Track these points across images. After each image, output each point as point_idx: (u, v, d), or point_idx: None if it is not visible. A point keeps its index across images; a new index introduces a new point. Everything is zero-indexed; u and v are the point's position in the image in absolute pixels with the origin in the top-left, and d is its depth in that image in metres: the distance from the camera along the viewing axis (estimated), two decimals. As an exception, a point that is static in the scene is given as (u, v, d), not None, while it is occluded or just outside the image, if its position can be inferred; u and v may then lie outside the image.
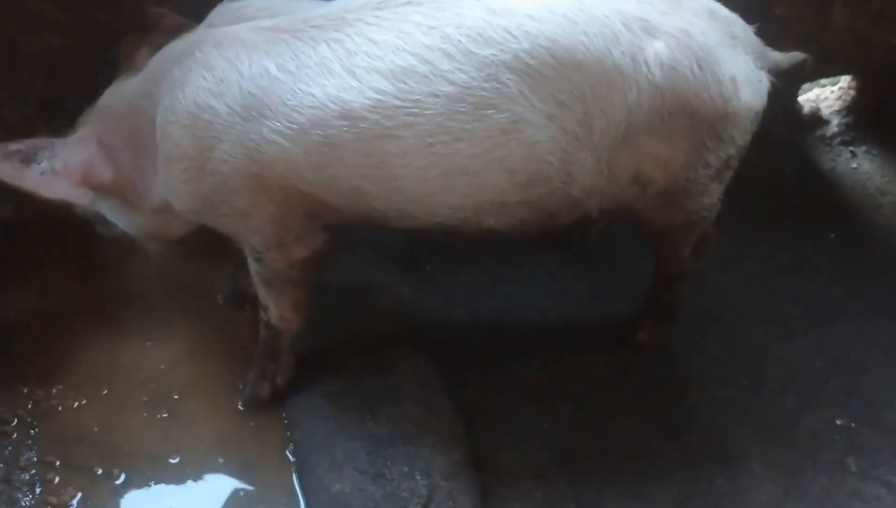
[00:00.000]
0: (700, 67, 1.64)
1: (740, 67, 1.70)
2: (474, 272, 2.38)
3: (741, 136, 1.76)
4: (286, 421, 1.97)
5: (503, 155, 1.63)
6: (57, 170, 1.75)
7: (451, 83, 1.57)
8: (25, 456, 1.86)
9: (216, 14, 1.81)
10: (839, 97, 2.96)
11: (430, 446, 1.87)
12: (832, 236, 2.63)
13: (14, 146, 1.75)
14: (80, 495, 1.78)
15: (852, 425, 2.15)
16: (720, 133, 1.72)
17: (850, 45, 2.67)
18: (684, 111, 1.66)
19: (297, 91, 1.61)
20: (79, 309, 2.10)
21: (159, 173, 1.76)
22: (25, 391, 1.96)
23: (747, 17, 2.40)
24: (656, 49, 1.61)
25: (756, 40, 1.80)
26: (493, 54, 1.57)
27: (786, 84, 2.68)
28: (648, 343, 2.21)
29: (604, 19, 1.60)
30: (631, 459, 2.05)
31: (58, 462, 1.86)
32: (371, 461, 1.82)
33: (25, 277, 2.16)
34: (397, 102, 1.58)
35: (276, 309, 1.88)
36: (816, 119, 2.95)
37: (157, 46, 1.82)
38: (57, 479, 1.81)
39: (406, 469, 1.81)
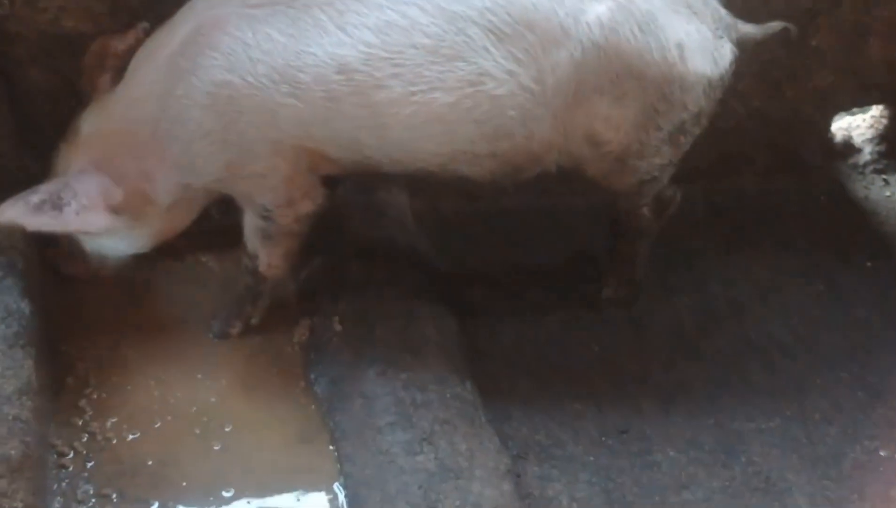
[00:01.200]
0: (641, 30, 1.79)
1: (691, 35, 1.84)
2: (518, 304, 2.39)
3: (693, 101, 1.89)
4: (336, 454, 1.99)
5: (471, 106, 1.80)
6: (86, 205, 1.87)
7: (427, 36, 1.75)
8: (82, 489, 1.88)
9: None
10: (871, 125, 2.98)
11: (481, 479, 1.88)
12: (868, 264, 2.64)
13: (37, 197, 1.86)
14: (136, 528, 1.80)
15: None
16: (668, 97, 1.86)
17: (885, 75, 2.70)
18: (630, 73, 1.81)
19: (300, 52, 1.76)
20: (130, 341, 2.13)
21: (171, 163, 1.90)
22: (81, 423, 1.99)
23: (788, 49, 2.46)
24: (598, 11, 1.78)
25: (721, 13, 1.94)
26: (461, 10, 1.76)
27: (819, 113, 2.74)
28: (613, 299, 2.31)
29: None
30: (677, 491, 2.06)
31: (114, 495, 1.88)
32: (423, 494, 1.84)
33: (78, 310, 2.19)
34: (384, 54, 1.75)
35: (267, 258, 2.03)
36: (849, 147, 2.97)
37: (117, 70, 1.93)
38: (114, 513, 1.83)
39: (458, 503, 1.83)
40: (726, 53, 1.90)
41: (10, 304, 1.93)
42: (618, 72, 1.82)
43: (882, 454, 2.18)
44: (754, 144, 2.72)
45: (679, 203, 2.28)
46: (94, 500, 1.86)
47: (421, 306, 2.22)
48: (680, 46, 1.84)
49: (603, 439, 2.14)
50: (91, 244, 2.05)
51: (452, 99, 1.79)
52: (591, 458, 2.10)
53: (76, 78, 2.00)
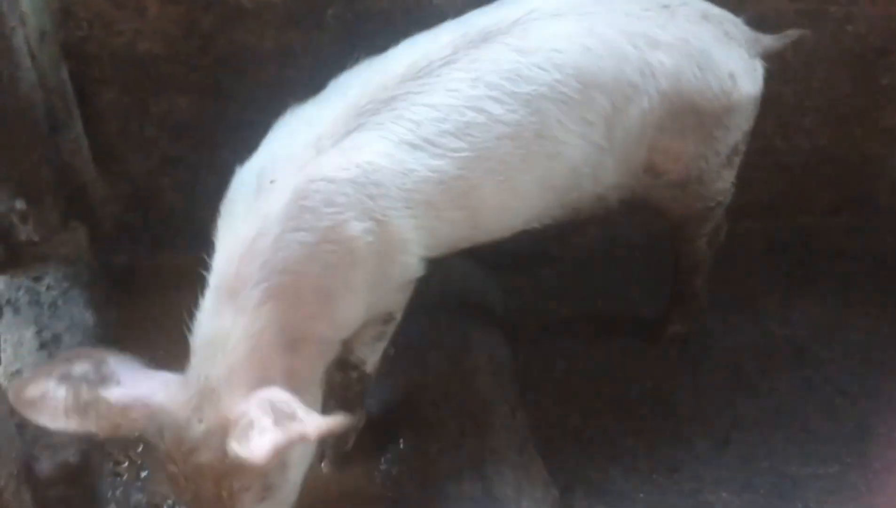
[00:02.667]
0: (700, 69, 1.83)
1: (736, 62, 1.88)
2: (570, 338, 2.38)
3: (745, 122, 1.95)
4: (380, 480, 2.00)
5: (550, 176, 1.81)
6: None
7: (506, 124, 1.72)
8: (135, 498, 1.92)
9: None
10: (942, 166, 2.90)
11: (527, 510, 1.87)
12: (937, 308, 2.56)
13: (266, 421, 1.45)
14: (186, 539, 1.82)
15: (962, 510, 2.08)
16: (726, 123, 1.90)
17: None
18: (691, 110, 1.85)
19: (406, 172, 1.68)
20: (181, 353, 2.17)
21: (313, 341, 1.68)
22: (136, 434, 2.03)
23: (857, 87, 2.43)
24: (661, 60, 1.79)
25: (748, 32, 1.96)
26: (532, 89, 1.72)
27: (888, 152, 2.68)
28: (681, 333, 2.31)
29: (613, 42, 1.77)
30: (729, 534, 2.02)
31: (165, 505, 1.91)
32: (468, 525, 1.83)
33: (140, 325, 2.24)
34: (472, 155, 1.70)
35: (374, 357, 1.93)
36: (918, 187, 2.89)
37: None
38: (165, 523, 1.86)
39: (502, 535, 1.82)
40: (760, 70, 1.95)
41: (74, 314, 1.99)
42: (679, 110, 1.84)
43: (948, 507, 2.09)
44: (819, 182, 2.66)
45: (726, 232, 2.28)
46: (145, 510, 1.89)
47: (474, 334, 2.22)
48: (732, 76, 1.87)
49: (654, 476, 2.11)
50: (283, 490, 1.64)
51: (535, 176, 1.80)
52: (642, 495, 2.08)
53: (148, 98, 2.04)
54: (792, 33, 2.04)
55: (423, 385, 2.09)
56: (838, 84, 2.46)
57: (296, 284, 1.60)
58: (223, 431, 1.47)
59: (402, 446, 2.02)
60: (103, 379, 1.52)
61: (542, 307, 2.45)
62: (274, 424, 1.41)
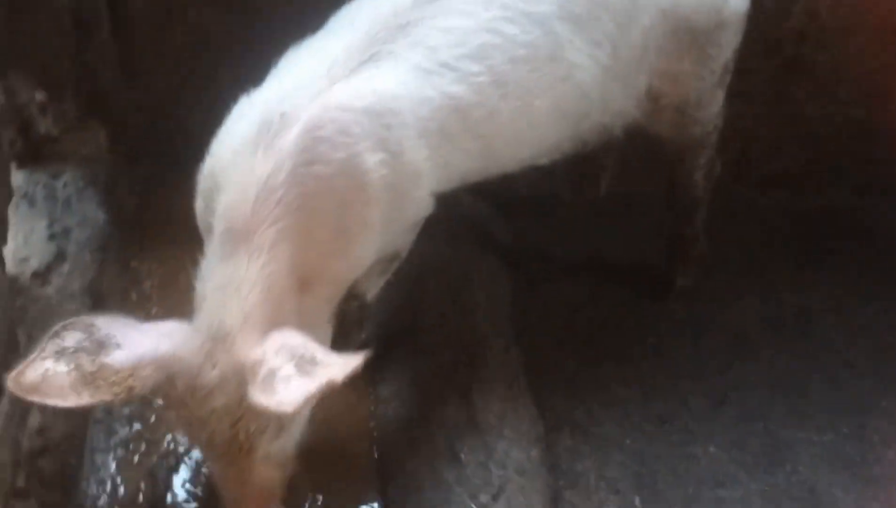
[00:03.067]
0: None
1: None
2: (575, 285, 2.37)
3: (734, 39, 1.98)
4: (371, 399, 2.02)
5: (562, 101, 1.79)
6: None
7: (522, 46, 1.70)
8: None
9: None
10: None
11: (509, 440, 1.88)
12: (960, 299, 2.49)
13: (290, 369, 1.42)
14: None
15: (956, 489, 2.03)
16: (717, 41, 1.93)
17: None
18: (686, 28, 1.87)
19: (423, 99, 1.65)
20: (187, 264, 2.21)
21: (327, 278, 1.66)
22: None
23: None
24: None
25: None
26: (544, 9, 1.72)
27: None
28: (688, 287, 2.30)
29: None
30: (712, 487, 2.00)
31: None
32: (448, 444, 1.85)
33: (155, 233, 2.30)
34: (490, 79, 1.68)
35: (375, 289, 1.94)
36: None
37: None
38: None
39: (482, 458, 1.83)
40: None
41: (87, 211, 2.05)
42: (675, 30, 1.86)
43: (943, 486, 2.05)
44: (851, 157, 2.60)
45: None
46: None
47: (478, 270, 2.23)
48: None
49: (643, 425, 2.10)
50: (296, 423, 1.64)
51: (549, 102, 1.78)
52: (628, 441, 2.06)
53: (177, 10, 2.06)
54: None
55: (422, 312, 2.11)
56: (876, 53, 2.40)
57: (311, 222, 1.57)
58: (238, 376, 1.47)
59: (394, 367, 2.04)
60: (101, 345, 1.47)
61: (551, 253, 2.44)
62: (297, 370, 1.39)
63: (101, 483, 1.84)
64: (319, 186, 1.56)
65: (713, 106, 2.06)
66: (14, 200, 2.06)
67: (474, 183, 1.92)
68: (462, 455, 1.83)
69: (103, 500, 1.82)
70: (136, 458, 1.88)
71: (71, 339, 1.47)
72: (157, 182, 2.32)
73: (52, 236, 1.99)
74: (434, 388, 1.96)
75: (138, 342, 1.50)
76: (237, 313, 1.51)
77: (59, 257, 1.97)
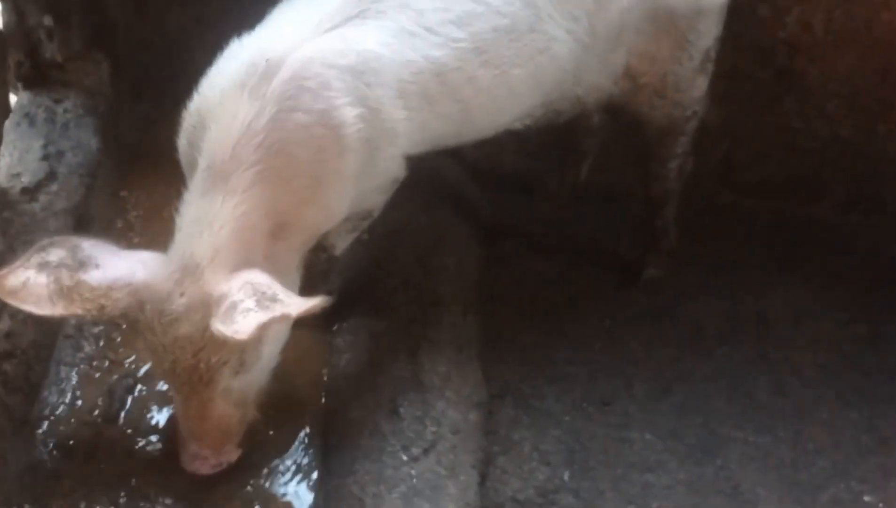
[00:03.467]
0: None
1: None
2: (544, 263, 2.45)
3: (714, 27, 2.04)
4: (328, 347, 2.12)
5: (539, 71, 1.86)
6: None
7: (504, 15, 1.78)
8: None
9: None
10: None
11: (448, 400, 1.97)
12: (922, 320, 2.53)
13: (251, 301, 1.53)
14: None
15: (880, 505, 2.08)
16: (696, 26, 1.99)
17: None
18: (665, 12, 1.94)
19: (405, 62, 1.72)
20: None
21: (300, 226, 1.75)
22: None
23: (886, 80, 2.42)
24: None
25: None
26: None
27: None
28: (658, 276, 2.38)
29: None
30: (641, 472, 2.08)
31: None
32: (390, 398, 1.94)
33: (146, 167, 2.40)
34: (471, 45, 1.76)
35: (344, 244, 2.04)
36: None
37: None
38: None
39: (419, 414, 1.92)
40: None
41: (81, 137, 2.16)
42: (654, 12, 1.93)
43: (866, 499, 2.11)
44: (834, 173, 2.63)
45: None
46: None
47: (449, 237, 2.32)
48: None
49: (584, 405, 2.18)
50: (257, 366, 1.74)
51: (526, 70, 1.85)
52: (567, 418, 2.14)
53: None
54: None
55: (388, 272, 2.20)
56: (866, 73, 2.43)
57: (288, 167, 1.65)
58: (204, 306, 1.56)
59: (354, 322, 2.13)
60: (81, 264, 1.59)
61: (526, 231, 2.52)
62: (256, 305, 1.50)
63: (62, 393, 1.96)
64: (298, 134, 1.64)
65: (693, 91, 2.11)
66: (16, 118, 2.18)
67: (454, 150, 2.01)
68: (401, 410, 1.92)
69: (62, 409, 1.94)
70: (97, 375, 2.00)
71: (55, 254, 1.60)
72: (154, 119, 2.41)
73: (45, 157, 2.10)
74: (386, 344, 2.05)
75: (116, 266, 1.63)
76: (208, 247, 1.61)
77: (50, 176, 2.08)
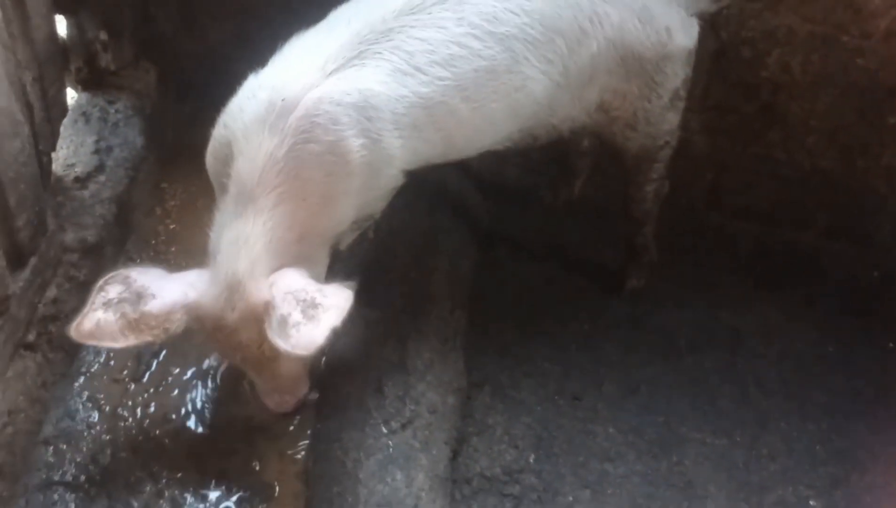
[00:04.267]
0: (640, 21, 2.12)
1: (673, 18, 2.17)
2: (533, 269, 2.67)
3: (682, 70, 2.23)
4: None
5: (516, 105, 2.08)
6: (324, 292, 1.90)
7: (483, 58, 1.99)
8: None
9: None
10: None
11: (429, 384, 2.22)
12: (891, 345, 2.67)
13: (297, 316, 1.81)
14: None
15: (825, 511, 2.24)
16: (664, 69, 2.19)
17: None
18: (633, 56, 2.14)
19: (398, 98, 1.95)
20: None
21: (317, 231, 2.01)
22: (153, 243, 2.51)
23: (863, 119, 2.58)
24: (607, 11, 2.09)
25: None
26: (505, 30, 2.00)
27: (890, 191, 2.76)
28: (639, 286, 2.60)
29: None
30: (601, 461, 2.29)
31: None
32: (377, 378, 2.20)
33: (187, 163, 2.70)
34: (454, 83, 1.98)
35: (348, 240, 2.25)
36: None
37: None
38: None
39: (400, 393, 2.18)
40: (696, 27, 2.24)
41: (128, 135, 2.48)
42: (623, 56, 2.13)
43: (812, 503, 2.28)
44: (816, 203, 2.79)
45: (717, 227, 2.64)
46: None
47: (446, 240, 2.57)
48: (668, 29, 2.15)
49: (556, 398, 2.40)
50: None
51: (504, 104, 2.07)
52: (539, 408, 2.37)
53: None
54: (725, 0, 2.31)
55: (387, 268, 2.45)
56: (844, 112, 2.59)
57: (304, 188, 1.91)
58: (255, 314, 1.85)
59: (351, 310, 2.39)
60: (139, 295, 1.86)
61: (519, 238, 2.74)
62: (303, 316, 1.78)
63: (98, 354, 2.27)
64: (312, 161, 1.90)
65: (663, 124, 2.30)
66: (73, 116, 2.51)
67: (446, 164, 2.26)
68: (385, 389, 2.19)
69: (96, 368, 2.26)
70: (128, 341, 2.30)
71: (113, 291, 1.87)
72: (194, 120, 2.69)
73: (96, 151, 2.42)
74: (378, 331, 2.31)
75: (169, 291, 1.91)
76: (246, 262, 1.88)
77: (99, 168, 2.40)
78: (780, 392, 2.50)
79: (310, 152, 1.89)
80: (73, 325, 1.85)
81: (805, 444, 2.41)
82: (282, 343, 1.78)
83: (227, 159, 1.95)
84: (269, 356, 1.95)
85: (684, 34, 2.19)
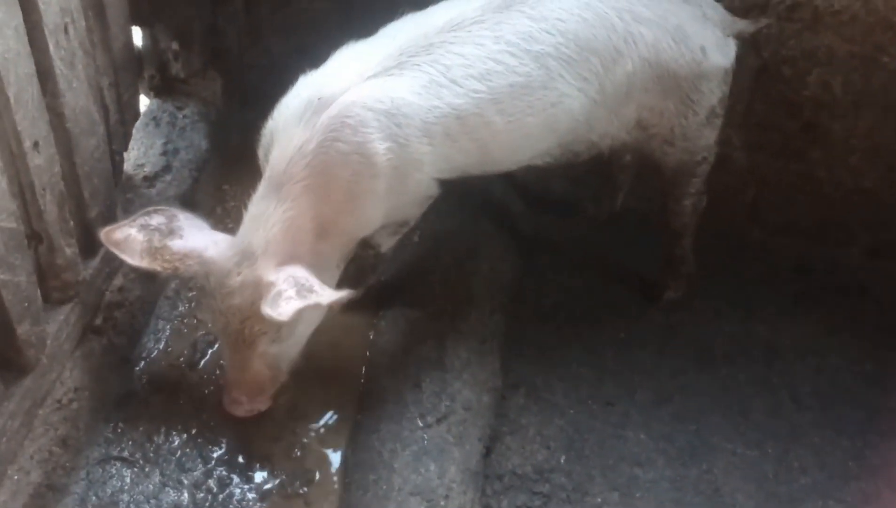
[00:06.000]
0: (675, 41, 2.18)
1: (709, 37, 2.23)
2: (574, 277, 2.74)
3: (718, 89, 2.28)
4: (373, 330, 2.51)
5: (552, 120, 2.16)
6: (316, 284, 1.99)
7: (519, 74, 2.09)
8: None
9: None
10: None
11: (465, 382, 2.32)
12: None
13: (291, 289, 1.93)
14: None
15: (855, 520, 2.26)
16: (699, 87, 2.25)
17: None
18: (668, 74, 2.20)
19: (431, 108, 2.06)
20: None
21: (338, 231, 2.12)
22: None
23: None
24: (641, 31, 2.16)
25: (724, 14, 2.31)
26: (541, 48, 2.10)
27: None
28: (676, 297, 2.66)
29: (604, 15, 2.14)
30: (631, 465, 2.34)
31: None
32: (416, 374, 2.32)
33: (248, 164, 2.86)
34: (489, 97, 2.08)
35: (389, 244, 2.40)
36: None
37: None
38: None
39: (437, 389, 2.28)
40: (732, 47, 2.28)
41: (194, 139, 2.66)
42: (659, 74, 2.20)
43: (841, 515, 2.31)
44: (858, 221, 2.81)
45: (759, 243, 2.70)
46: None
47: (488, 245, 2.67)
48: (703, 48, 2.20)
49: (589, 402, 2.47)
50: (291, 340, 2.15)
51: (540, 119, 2.15)
52: (572, 411, 2.44)
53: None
54: (760, 21, 2.36)
55: (429, 270, 2.57)
56: (885, 132, 2.62)
57: (329, 184, 2.03)
58: (254, 286, 1.98)
59: (396, 309, 2.52)
60: (172, 232, 2.03)
61: (561, 247, 2.82)
62: (297, 294, 1.91)
63: (158, 340, 2.44)
64: (338, 159, 2.02)
65: (700, 140, 2.35)
66: (145, 120, 2.70)
67: (489, 176, 2.36)
68: (423, 384, 2.29)
69: (156, 353, 2.42)
70: (186, 330, 2.47)
71: (156, 220, 2.06)
72: (257, 127, 2.87)
73: (164, 153, 2.60)
74: (419, 329, 2.43)
75: (194, 239, 2.08)
76: (262, 239, 2.03)
77: (166, 169, 2.58)
78: (814, 407, 2.52)
79: (337, 151, 2.01)
80: (107, 229, 2.02)
81: (838, 459, 2.42)
82: (267, 310, 1.88)
83: (268, 148, 2.12)
84: (247, 338, 2.06)
85: (720, 54, 2.25)
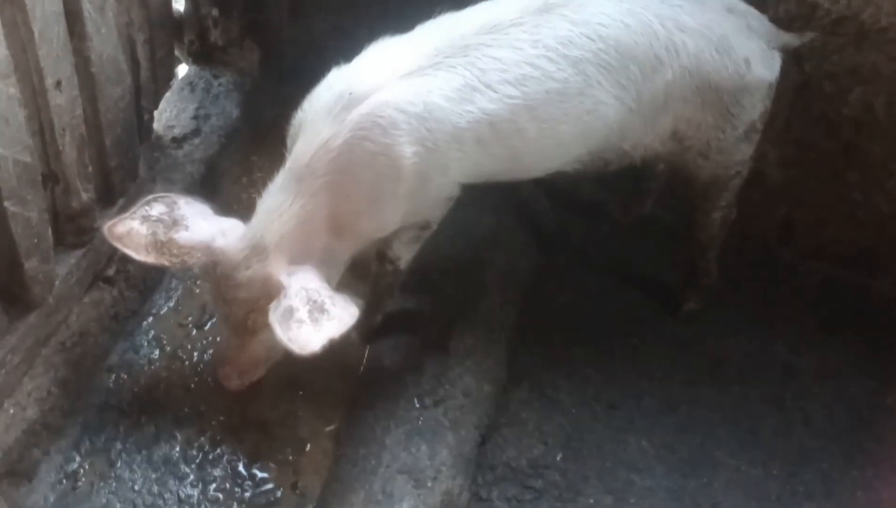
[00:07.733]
0: (718, 52, 2.11)
1: (753, 50, 2.15)
2: (591, 279, 2.71)
3: (759, 103, 2.21)
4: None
5: (586, 128, 2.10)
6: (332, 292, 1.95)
7: (556, 80, 2.02)
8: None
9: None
10: None
11: (467, 368, 2.30)
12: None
13: (302, 313, 1.86)
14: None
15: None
16: (741, 101, 2.17)
17: None
18: (709, 86, 2.13)
19: (463, 112, 1.99)
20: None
21: (355, 231, 2.07)
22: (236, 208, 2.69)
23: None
24: (684, 40, 2.08)
25: (770, 27, 2.22)
26: (579, 54, 2.03)
27: None
28: (696, 309, 2.60)
29: (647, 22, 2.07)
30: (628, 470, 2.31)
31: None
32: (419, 357, 2.30)
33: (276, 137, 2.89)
34: (524, 103, 2.01)
35: (409, 256, 2.29)
36: None
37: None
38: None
39: (438, 373, 2.27)
40: (777, 60, 2.21)
41: (226, 107, 2.69)
42: (699, 85, 2.12)
43: (835, 528, 2.24)
44: (891, 250, 2.72)
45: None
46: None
47: (508, 241, 2.65)
48: (747, 61, 2.13)
49: (593, 403, 2.43)
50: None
51: (574, 127, 2.08)
52: (574, 410, 2.41)
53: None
54: (806, 35, 2.28)
55: (445, 257, 2.55)
56: (926, 154, 2.55)
57: (351, 183, 1.97)
58: (262, 281, 1.94)
59: (409, 287, 2.47)
60: (175, 222, 1.96)
61: (583, 247, 2.79)
62: (309, 317, 1.83)
63: (168, 299, 2.47)
64: (364, 159, 1.96)
65: (736, 155, 2.28)
66: (181, 84, 2.74)
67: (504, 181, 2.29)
68: (425, 367, 2.28)
69: (165, 309, 2.45)
70: (197, 291, 2.49)
71: (157, 210, 1.99)
72: (291, 102, 2.88)
73: (195, 117, 2.64)
74: (429, 313, 2.42)
75: (201, 230, 2.02)
76: (276, 233, 1.97)
77: (195, 132, 2.61)
78: (827, 433, 2.46)
79: (364, 150, 1.95)
80: (109, 224, 1.96)
81: (846, 487, 2.36)
82: (279, 331, 1.81)
83: (295, 138, 2.07)
84: (249, 328, 2.02)
85: (764, 67, 2.17)
